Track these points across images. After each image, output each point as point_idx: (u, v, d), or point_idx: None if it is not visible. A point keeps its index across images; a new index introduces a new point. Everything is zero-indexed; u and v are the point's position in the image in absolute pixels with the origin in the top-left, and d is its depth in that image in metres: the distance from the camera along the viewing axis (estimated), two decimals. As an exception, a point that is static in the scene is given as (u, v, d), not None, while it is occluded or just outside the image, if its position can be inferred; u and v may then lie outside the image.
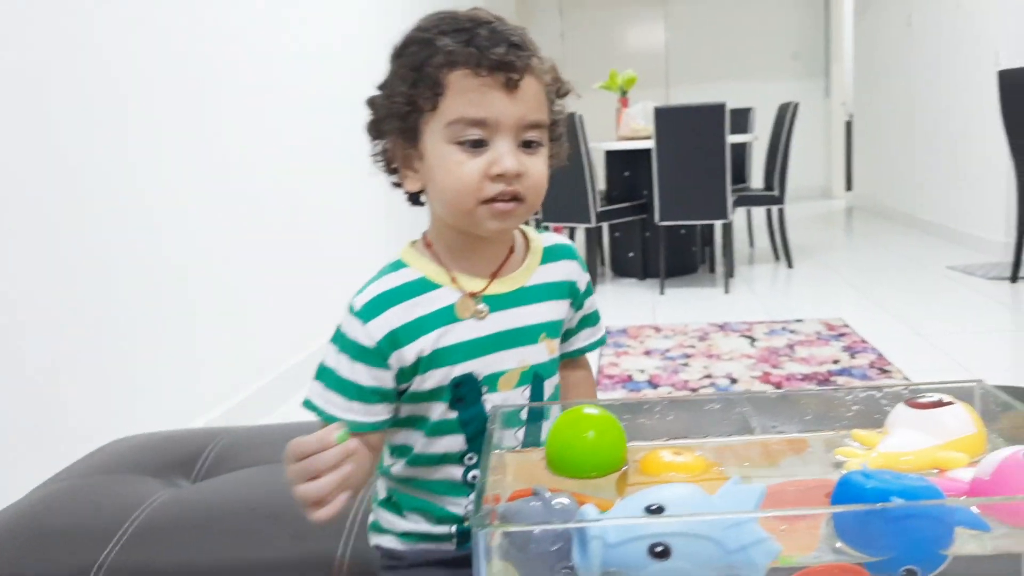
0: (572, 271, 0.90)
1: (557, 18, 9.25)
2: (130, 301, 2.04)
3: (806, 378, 2.81)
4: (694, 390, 2.77)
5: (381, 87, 0.81)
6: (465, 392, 0.81)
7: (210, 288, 2.40)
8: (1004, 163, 4.49)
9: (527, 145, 0.78)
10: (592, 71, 7.84)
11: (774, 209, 5.04)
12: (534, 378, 0.84)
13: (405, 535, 0.86)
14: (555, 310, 0.87)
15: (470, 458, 0.82)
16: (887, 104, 7.04)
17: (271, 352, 2.76)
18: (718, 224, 4.58)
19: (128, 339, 2.03)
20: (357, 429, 0.78)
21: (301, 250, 3.05)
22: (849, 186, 8.61)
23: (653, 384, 2.86)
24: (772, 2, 9.10)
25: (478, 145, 0.76)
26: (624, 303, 4.24)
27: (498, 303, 0.82)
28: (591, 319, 0.95)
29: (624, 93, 5.02)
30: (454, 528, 0.84)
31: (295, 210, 3.03)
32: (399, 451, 0.85)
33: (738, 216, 5.19)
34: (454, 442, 0.82)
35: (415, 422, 0.83)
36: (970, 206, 5.29)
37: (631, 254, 4.84)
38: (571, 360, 0.95)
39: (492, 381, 0.81)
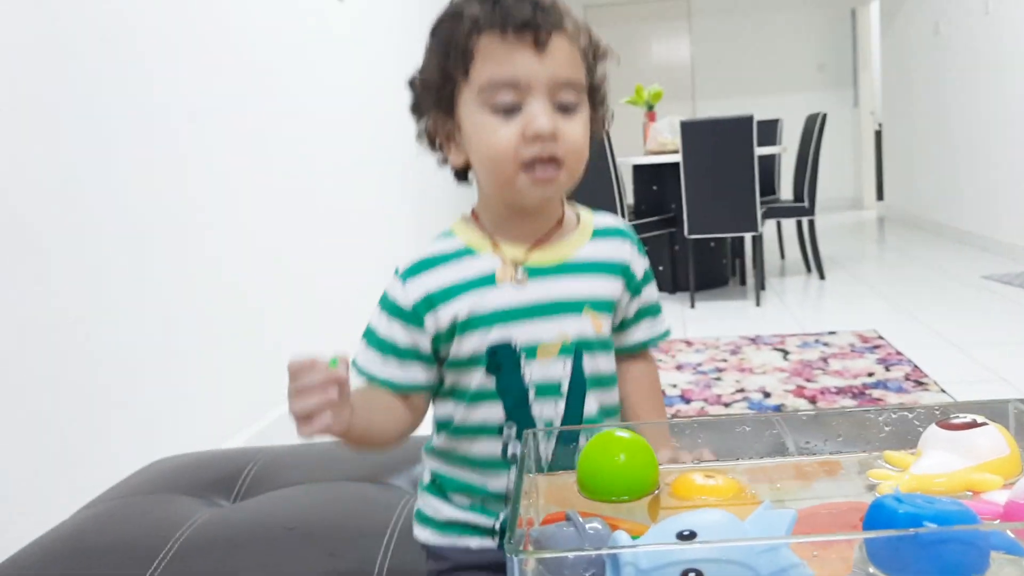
0: (626, 252, 0.88)
1: (583, 33, 9.26)
2: (164, 324, 2.08)
3: (840, 392, 2.79)
4: (727, 405, 2.76)
5: (420, 68, 0.83)
6: (502, 359, 0.80)
7: (240, 309, 2.44)
8: (1039, 170, 4.43)
9: (563, 109, 0.77)
10: (618, 86, 7.85)
11: (804, 221, 5.01)
12: (576, 351, 0.82)
13: (447, 526, 0.86)
14: (604, 287, 0.84)
15: (509, 427, 0.81)
16: (917, 113, 6.97)
17: None
18: (748, 236, 4.56)
19: (164, 361, 2.06)
20: (394, 388, 0.82)
21: (331, 271, 3.09)
22: (880, 196, 8.54)
23: (686, 399, 2.85)
24: (797, 13, 9.07)
25: (512, 110, 0.76)
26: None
27: (539, 272, 0.82)
28: (651, 310, 0.92)
29: (651, 108, 5.02)
30: (496, 523, 0.84)
31: (326, 230, 3.07)
32: (441, 425, 0.86)
33: (768, 228, 5.16)
34: (492, 411, 0.81)
35: (456, 393, 0.83)
36: (1004, 214, 5.22)
37: (660, 267, 4.83)
38: (632, 354, 0.92)
39: (531, 350, 0.80)
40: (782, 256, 5.79)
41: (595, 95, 0.83)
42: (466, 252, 0.83)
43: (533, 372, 0.80)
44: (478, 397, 0.82)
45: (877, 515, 0.43)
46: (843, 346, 3.36)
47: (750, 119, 4.12)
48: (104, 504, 1.14)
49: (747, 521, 0.43)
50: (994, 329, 3.49)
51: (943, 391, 2.71)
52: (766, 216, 4.68)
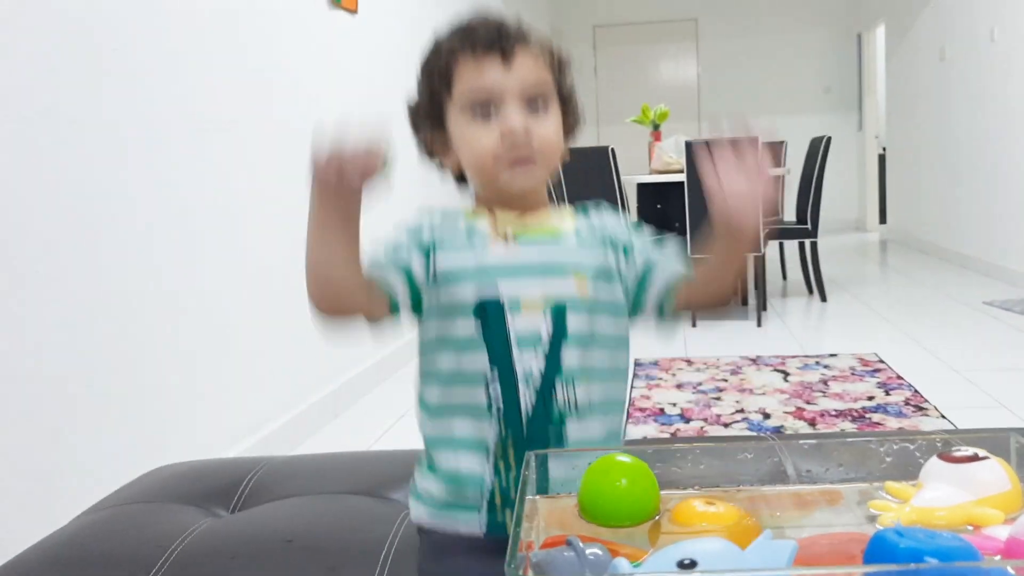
0: (608, 223, 0.96)
1: (590, 53, 9.33)
2: (168, 333, 2.08)
3: (840, 415, 2.79)
4: (727, 425, 2.76)
5: (415, 95, 0.96)
6: (489, 310, 0.87)
7: (246, 318, 2.44)
8: (1042, 198, 4.44)
9: (534, 109, 0.88)
10: (625, 105, 7.89)
11: (807, 242, 5.01)
12: (557, 308, 0.88)
13: (439, 505, 0.90)
14: (592, 255, 0.91)
15: (492, 373, 0.87)
16: (921, 137, 6.99)
17: (303, 381, 2.80)
18: (750, 257, 4.56)
19: (167, 369, 2.06)
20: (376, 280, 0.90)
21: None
22: (883, 219, 8.55)
23: (685, 418, 2.85)
24: (804, 37, 9.12)
25: (489, 116, 0.87)
26: (656, 335, 4.23)
27: (530, 240, 0.90)
28: (658, 249, 0.96)
29: (657, 127, 5.04)
30: (483, 499, 0.88)
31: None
32: (431, 376, 0.91)
33: (771, 249, 5.17)
34: (478, 360, 0.87)
35: (445, 342, 0.89)
36: (1006, 240, 5.22)
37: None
38: (674, 289, 0.94)
39: (515, 304, 0.87)
40: (784, 277, 5.80)
41: (565, 100, 0.94)
42: (468, 216, 0.93)
43: (516, 324, 0.87)
44: (465, 346, 0.88)
45: (878, 548, 0.43)
46: (844, 369, 3.36)
47: (755, 141, 4.12)
48: (102, 511, 1.14)
49: (747, 551, 0.43)
50: (995, 355, 3.49)
51: (943, 416, 2.70)
52: (769, 237, 4.69)
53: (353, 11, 3.41)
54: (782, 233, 4.97)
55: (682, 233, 4.46)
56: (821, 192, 4.90)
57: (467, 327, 0.87)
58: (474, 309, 0.87)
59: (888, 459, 0.65)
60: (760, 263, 4.41)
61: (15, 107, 1.63)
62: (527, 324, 0.87)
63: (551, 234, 0.92)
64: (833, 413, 2.81)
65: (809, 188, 4.93)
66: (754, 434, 2.58)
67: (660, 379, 3.35)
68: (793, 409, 2.88)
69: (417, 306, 0.89)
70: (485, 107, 0.87)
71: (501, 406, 0.87)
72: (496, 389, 0.87)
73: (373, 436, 2.72)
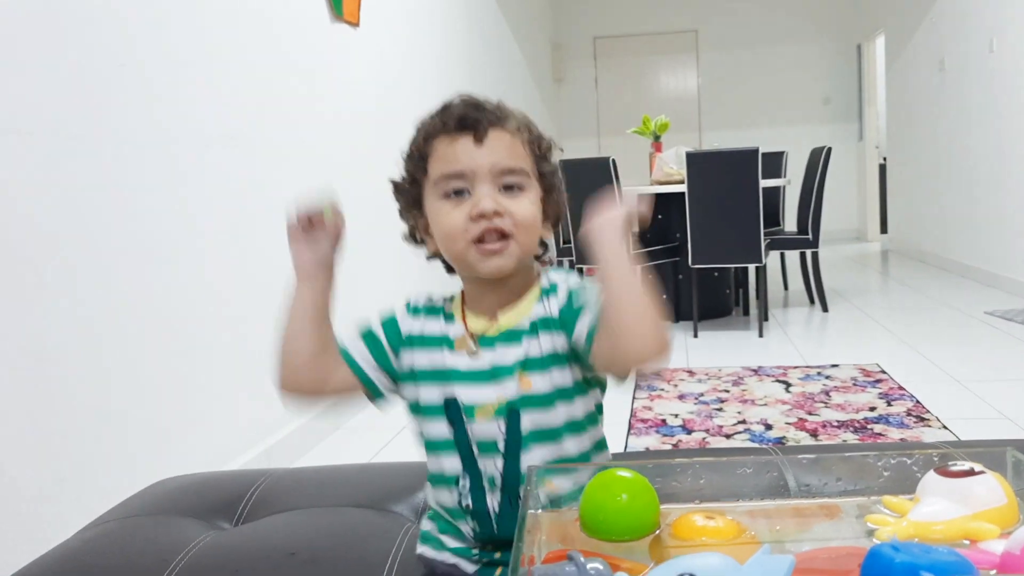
0: (562, 299, 0.90)
1: (591, 65, 9.37)
2: (172, 344, 2.09)
3: (842, 425, 2.79)
4: (728, 436, 2.76)
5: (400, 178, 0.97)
6: (454, 415, 0.89)
7: (246, 328, 2.45)
8: (1043, 208, 4.45)
9: (508, 190, 0.87)
10: (626, 116, 7.91)
11: (808, 252, 5.02)
12: (509, 412, 0.88)
13: (438, 542, 0.94)
14: (539, 345, 0.89)
15: (464, 477, 0.90)
16: (921, 147, 7.01)
17: None
18: (751, 267, 4.58)
19: (170, 380, 2.07)
20: (347, 358, 0.93)
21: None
22: (884, 229, 8.55)
23: (687, 429, 2.85)
24: (804, 48, 9.15)
25: (461, 194, 0.87)
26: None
27: (487, 342, 0.90)
28: (586, 300, 0.90)
29: (657, 138, 5.06)
30: (476, 550, 0.92)
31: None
32: (426, 466, 0.95)
33: (772, 259, 5.17)
34: (451, 462, 0.90)
35: (424, 442, 0.93)
36: (1007, 249, 5.23)
37: (664, 296, 4.85)
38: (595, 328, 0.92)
39: (470, 410, 0.89)
40: (785, 287, 5.80)
41: (545, 180, 0.92)
42: (446, 315, 0.94)
43: (474, 430, 0.89)
44: (438, 447, 0.91)
45: (874, 563, 0.43)
46: (845, 379, 3.36)
47: (755, 152, 4.15)
48: (106, 524, 1.14)
49: (746, 565, 0.44)
50: (996, 366, 3.49)
51: (945, 427, 2.70)
52: (770, 247, 4.70)
53: (355, 24, 3.43)
54: (783, 243, 4.98)
55: (683, 243, 4.47)
56: (822, 202, 4.91)
57: (440, 428, 0.90)
58: (442, 410, 0.90)
59: (886, 473, 0.66)
60: (762, 273, 4.42)
61: (28, 114, 1.64)
62: (483, 430, 0.89)
63: (506, 330, 0.90)
64: (835, 424, 2.81)
65: (810, 198, 4.94)
66: (755, 446, 2.58)
67: (662, 390, 3.35)
68: (795, 420, 2.88)
69: (378, 394, 0.94)
70: (458, 186, 0.87)
71: (471, 506, 0.89)
72: (467, 491, 0.90)
73: (374, 448, 2.72)
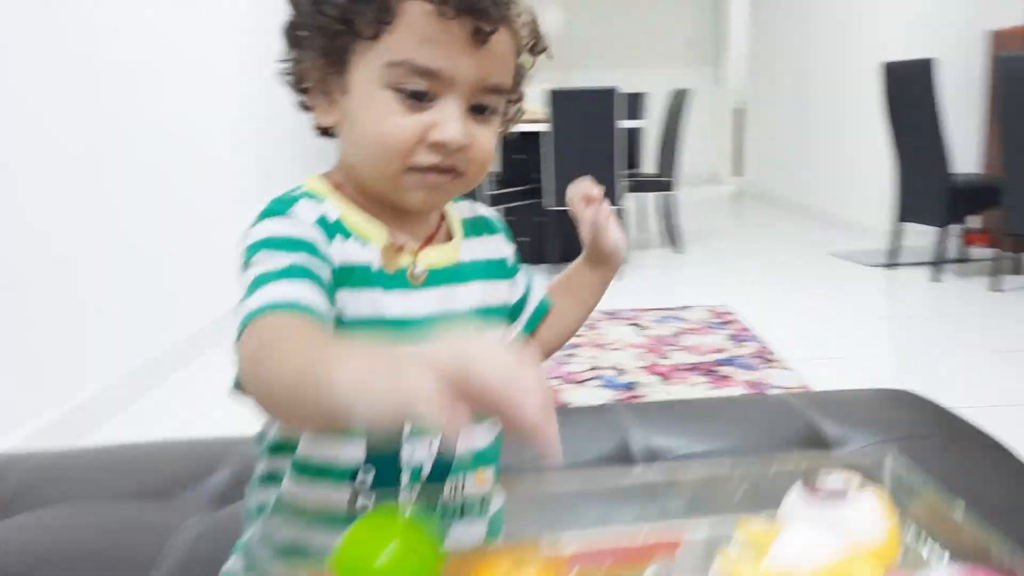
0: (501, 245, 0.77)
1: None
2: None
3: (692, 368, 2.79)
4: (580, 382, 2.71)
5: None
6: None
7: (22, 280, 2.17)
8: (884, 151, 4.61)
9: (479, 110, 0.65)
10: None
11: (665, 195, 5.04)
12: None
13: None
14: (492, 292, 0.73)
15: (366, 471, 0.65)
16: (776, 93, 7.17)
17: (90, 361, 2.46)
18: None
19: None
20: (307, 310, 0.57)
21: (140, 234, 2.83)
22: (738, 172, 8.78)
23: (539, 377, 2.77)
24: (667, -13, 9.16)
25: (421, 98, 0.62)
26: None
27: (435, 276, 0.68)
28: (528, 285, 0.80)
29: (517, 74, 4.91)
30: None
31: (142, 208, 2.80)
32: (284, 447, 0.67)
33: (630, 201, 5.17)
34: (350, 450, 0.64)
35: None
36: (852, 193, 5.43)
37: (524, 239, 4.76)
38: (530, 337, 0.80)
39: None
40: (643, 229, 5.84)
41: (515, 93, 0.71)
42: (342, 230, 0.65)
43: None
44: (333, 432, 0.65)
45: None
46: (696, 322, 3.38)
47: (612, 92, 4.07)
48: None
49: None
50: (840, 307, 3.60)
51: (789, 368, 2.75)
52: (629, 190, 4.68)
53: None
54: (642, 186, 4.97)
55: (537, 183, 4.38)
56: (680, 146, 4.92)
57: None
58: None
59: (743, 487, 0.54)
60: (619, 216, 4.39)
61: None
62: None
63: (455, 263, 0.70)
64: (685, 367, 2.81)
65: (668, 141, 4.94)
66: (596, 405, 2.55)
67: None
68: (647, 364, 2.86)
69: None
70: (421, 87, 0.62)
71: (368, 508, 0.65)
72: (366, 488, 0.65)
73: (175, 424, 2.43)
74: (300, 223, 0.63)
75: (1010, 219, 3.62)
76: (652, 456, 1.14)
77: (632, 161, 5.35)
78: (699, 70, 9.14)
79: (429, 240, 0.70)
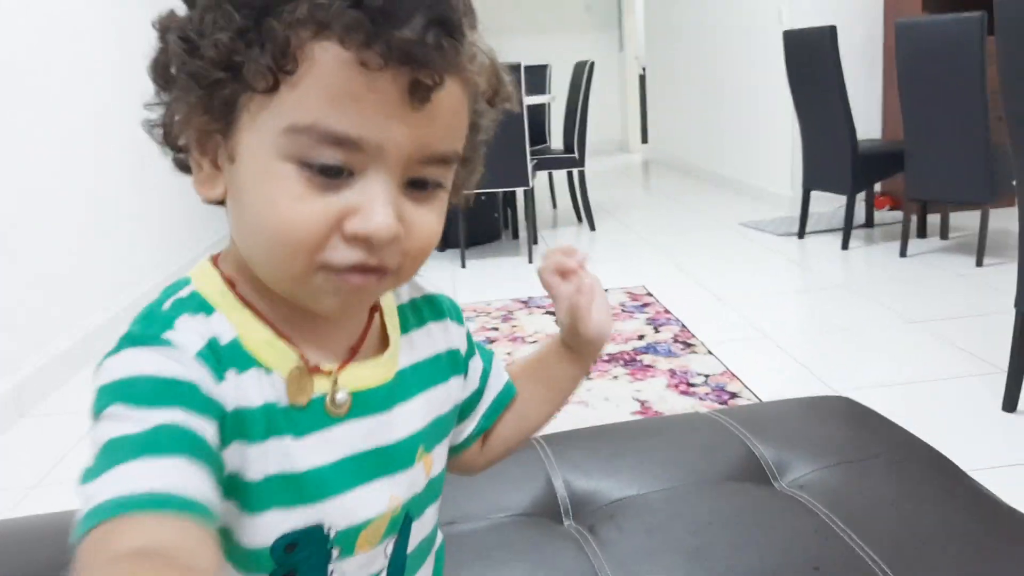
0: (452, 332, 0.61)
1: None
2: None
3: (612, 359, 2.70)
4: (498, 382, 2.59)
5: (189, 4, 0.46)
6: (302, 559, 0.49)
7: None
8: (789, 119, 4.61)
9: (419, 186, 0.48)
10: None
11: (575, 171, 4.94)
12: (404, 522, 0.54)
13: None
14: (440, 401, 0.58)
15: None
16: (679, 58, 7.14)
17: None
18: (519, 191, 4.41)
19: None
20: (177, 506, 0.39)
21: None
22: (645, 139, 8.77)
23: (455, 377, 2.65)
24: (565, -47, 9.01)
25: (334, 174, 0.45)
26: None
27: (362, 403, 0.52)
28: (485, 372, 0.65)
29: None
30: None
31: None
32: None
33: (540, 179, 5.06)
34: None
35: None
36: (759, 161, 5.44)
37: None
38: (486, 434, 0.67)
39: (350, 539, 0.50)
40: (554, 206, 5.75)
41: (471, 158, 0.54)
42: (236, 358, 0.48)
43: (345, 571, 0.51)
44: None
45: None
46: (614, 305, 3.29)
47: (518, 67, 3.92)
48: None
49: None
50: (756, 282, 3.57)
51: (710, 353, 2.69)
52: (537, 168, 4.56)
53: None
54: (550, 163, 4.86)
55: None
56: (587, 119, 4.82)
57: None
58: (269, 559, 0.48)
59: None
60: (529, 197, 4.27)
61: None
62: (360, 569, 0.52)
63: (385, 387, 0.54)
64: (605, 359, 2.72)
65: (575, 116, 4.83)
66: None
67: (430, 331, 3.13)
68: (566, 356, 2.76)
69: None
70: (335, 161, 0.44)
71: None
72: None
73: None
74: (178, 356, 0.45)
75: (913, 184, 3.65)
76: (581, 504, 1.02)
77: (540, 137, 5.24)
78: (601, 35, 9.06)
79: (353, 353, 0.53)
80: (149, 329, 0.46)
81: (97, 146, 3.07)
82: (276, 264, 0.47)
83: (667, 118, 7.74)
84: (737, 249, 4.17)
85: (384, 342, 0.56)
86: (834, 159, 3.94)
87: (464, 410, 0.63)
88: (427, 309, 0.61)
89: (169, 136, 0.49)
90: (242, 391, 0.47)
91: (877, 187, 4.47)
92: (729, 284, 3.50)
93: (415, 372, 0.56)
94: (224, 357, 0.47)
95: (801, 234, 4.22)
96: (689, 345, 2.78)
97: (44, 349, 2.56)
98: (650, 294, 3.42)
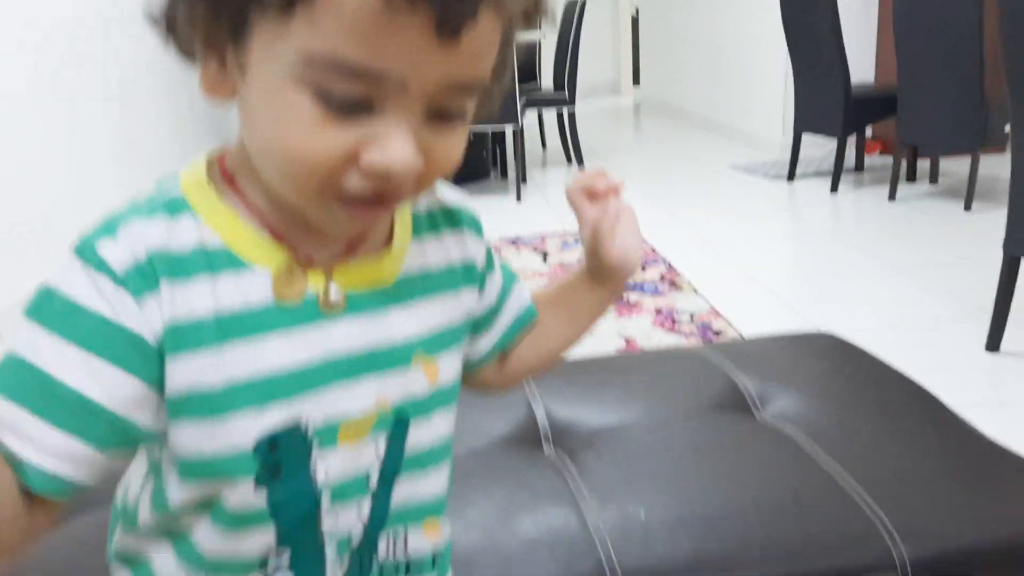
0: (469, 244, 0.59)
1: None
2: None
3: (598, 298, 2.69)
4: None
5: None
6: (284, 455, 0.49)
7: None
8: (783, 62, 4.54)
9: (444, 118, 0.45)
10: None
11: (565, 110, 4.88)
12: (395, 422, 0.53)
13: None
14: (442, 312, 0.56)
15: (280, 554, 0.51)
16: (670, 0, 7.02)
17: None
18: (509, 129, 4.36)
19: None
20: (44, 487, 0.43)
21: None
22: (638, 82, 8.66)
23: (440, 314, 2.64)
24: None
25: (353, 109, 0.42)
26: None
27: (356, 303, 0.51)
28: (504, 290, 0.64)
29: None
30: None
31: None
32: (182, 544, 0.52)
33: (529, 118, 4.99)
34: (258, 539, 0.51)
35: (202, 506, 0.50)
36: (750, 104, 5.39)
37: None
38: (504, 354, 0.65)
39: (329, 433, 0.50)
40: (544, 146, 5.69)
41: (499, 76, 0.50)
42: (225, 258, 0.47)
43: (330, 467, 0.50)
44: (240, 521, 0.50)
45: None
46: (601, 246, 3.27)
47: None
48: None
49: None
50: (743, 224, 3.56)
51: (696, 292, 2.68)
52: (527, 106, 4.50)
53: None
54: (540, 102, 4.79)
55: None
56: (577, 59, 4.74)
57: (243, 491, 0.49)
58: (256, 459, 0.48)
59: None
60: (519, 136, 4.21)
61: None
62: (348, 463, 0.51)
63: (380, 285, 0.52)
64: (592, 297, 2.71)
65: (566, 55, 4.75)
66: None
67: (415, 269, 3.11)
68: (552, 295, 2.75)
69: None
70: (353, 94, 0.42)
71: None
72: (284, 569, 0.52)
73: None
74: (100, 282, 0.44)
75: (905, 129, 3.62)
76: (561, 432, 1.02)
77: (531, 75, 5.16)
78: (595, -24, 8.89)
79: (352, 249, 0.51)
80: (92, 237, 0.45)
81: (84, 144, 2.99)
82: (286, 185, 0.45)
83: (658, 61, 7.63)
84: (727, 191, 4.14)
85: (387, 245, 0.54)
86: (826, 102, 3.89)
87: (479, 325, 0.62)
88: (444, 219, 0.59)
89: (173, 32, 0.46)
90: (183, 301, 0.46)
91: (868, 132, 4.43)
92: (717, 226, 3.49)
93: (423, 279, 0.55)
94: (179, 263, 0.46)
95: (791, 176, 4.19)
96: (675, 284, 2.77)
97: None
98: (638, 235, 3.40)
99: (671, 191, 4.21)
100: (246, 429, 0.47)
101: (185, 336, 0.45)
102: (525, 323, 0.65)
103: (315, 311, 0.49)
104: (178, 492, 0.50)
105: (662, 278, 2.85)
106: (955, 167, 4.11)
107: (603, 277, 0.63)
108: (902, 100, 3.58)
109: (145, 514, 0.53)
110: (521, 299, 0.65)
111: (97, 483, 0.46)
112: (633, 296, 2.69)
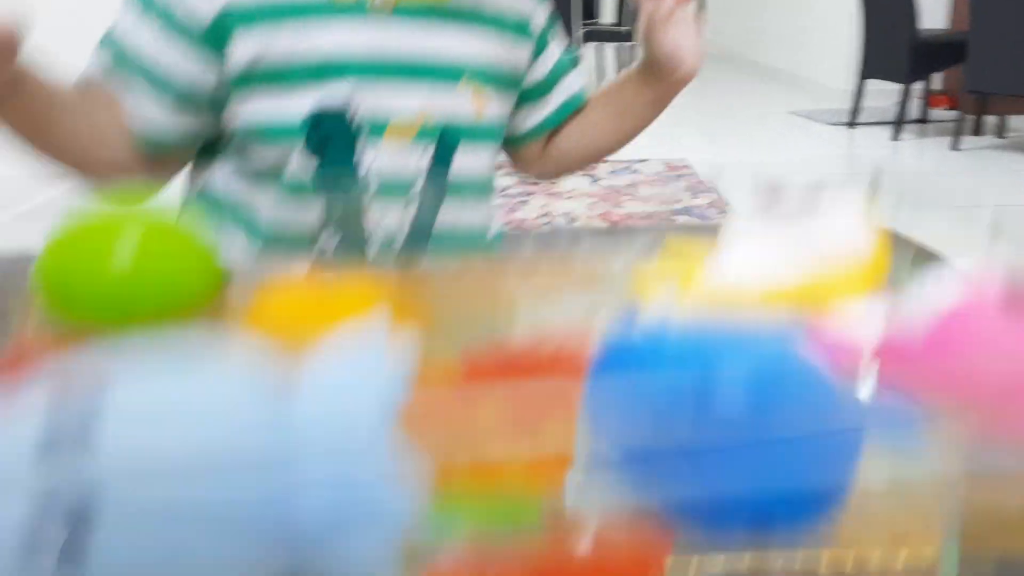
0: (528, 3, 0.63)
1: None
2: None
3: (647, 217, 2.69)
4: (529, 230, 2.60)
5: None
6: (331, 130, 0.53)
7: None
8: (849, 9, 4.42)
9: None
10: None
11: (625, 46, 4.82)
12: (441, 138, 0.56)
13: None
14: (494, 49, 0.59)
15: (329, 237, 0.55)
16: (744, -57, 6.84)
17: None
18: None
19: None
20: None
21: None
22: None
23: (486, 224, 2.66)
24: None
25: None
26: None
27: (406, 12, 0.54)
28: (560, 67, 0.67)
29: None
30: None
31: None
32: (245, 223, 0.56)
33: (589, 50, 4.95)
34: (303, 214, 0.55)
35: (266, 176, 0.55)
36: (814, 53, 5.26)
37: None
38: (551, 133, 0.69)
39: (377, 128, 0.54)
40: (601, 79, 5.64)
41: None
42: None
43: (376, 161, 0.54)
44: (294, 188, 0.55)
45: (612, 361, 0.21)
46: (652, 174, 3.26)
47: None
48: None
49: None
50: (796, 162, 3.50)
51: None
52: (587, 39, 4.46)
53: None
54: (599, 35, 4.75)
55: None
56: (641, -9, 4.68)
57: (297, 158, 0.53)
58: (306, 127, 0.52)
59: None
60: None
61: None
62: (392, 162, 0.55)
63: (435, 6, 0.56)
64: (640, 216, 2.71)
65: (629, -14, 4.68)
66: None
67: (465, 184, 3.14)
68: (600, 212, 2.76)
69: (184, 142, 0.55)
70: None
71: None
72: (329, 257, 0.57)
73: None
74: (170, 28, 0.52)
75: (973, 75, 3.50)
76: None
77: (590, 11, 5.09)
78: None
79: None
80: None
81: None
82: None
83: (719, 8, 7.46)
84: (784, 134, 4.08)
85: None
86: (893, 46, 3.78)
87: (529, 94, 0.65)
88: None
89: None
90: None
91: (936, 85, 4.30)
92: (773, 164, 3.44)
93: (475, 11, 0.58)
94: None
95: (852, 123, 4.10)
96: (725, 212, 2.76)
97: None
98: (689, 167, 3.37)
99: (728, 131, 4.15)
100: (301, 100, 0.52)
101: (247, 14, 0.51)
102: (574, 106, 0.67)
103: (364, 8, 0.54)
104: (224, 167, 0.57)
105: (710, 205, 2.84)
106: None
107: (656, 75, 0.64)
108: (973, 44, 3.46)
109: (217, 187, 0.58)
110: (574, 84, 0.68)
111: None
112: (681, 219, 2.68)
